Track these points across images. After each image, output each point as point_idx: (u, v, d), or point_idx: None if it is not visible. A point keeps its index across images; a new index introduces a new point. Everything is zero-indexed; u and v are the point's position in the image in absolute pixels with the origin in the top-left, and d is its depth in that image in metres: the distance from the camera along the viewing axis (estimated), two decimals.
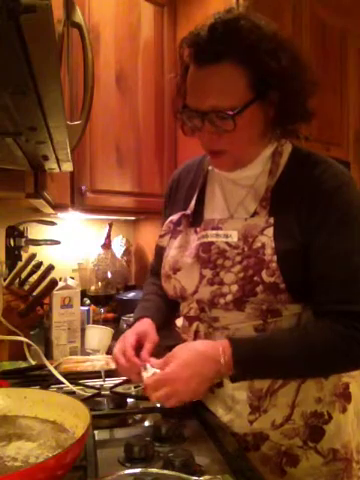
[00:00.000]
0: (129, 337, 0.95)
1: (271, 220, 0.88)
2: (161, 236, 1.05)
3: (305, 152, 0.95)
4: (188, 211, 1.02)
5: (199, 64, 0.85)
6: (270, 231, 0.87)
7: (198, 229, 0.97)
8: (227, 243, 0.91)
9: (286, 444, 0.92)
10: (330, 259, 0.86)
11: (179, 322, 1.22)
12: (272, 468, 0.91)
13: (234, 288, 0.88)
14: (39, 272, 1.47)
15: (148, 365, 0.87)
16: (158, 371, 0.85)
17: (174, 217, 1.04)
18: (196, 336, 0.97)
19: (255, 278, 0.86)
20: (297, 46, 0.90)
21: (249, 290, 0.86)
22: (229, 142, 0.88)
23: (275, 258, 0.85)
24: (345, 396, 0.96)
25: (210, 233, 0.94)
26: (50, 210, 1.62)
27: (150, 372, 0.85)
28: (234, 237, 0.91)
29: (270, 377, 0.90)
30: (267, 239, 0.87)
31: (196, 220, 1.00)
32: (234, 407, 0.93)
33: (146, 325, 1.00)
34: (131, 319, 1.49)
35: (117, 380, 1.07)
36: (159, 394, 0.81)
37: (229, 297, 0.88)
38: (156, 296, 1.12)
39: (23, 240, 1.85)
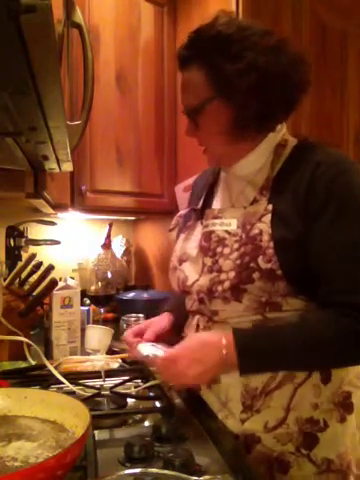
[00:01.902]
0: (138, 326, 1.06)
1: (269, 207, 0.88)
2: (170, 230, 1.11)
3: (310, 142, 0.94)
4: (198, 206, 1.05)
5: (179, 69, 0.96)
6: (268, 218, 0.87)
7: (203, 221, 1.00)
8: (226, 231, 0.92)
9: (278, 449, 0.90)
10: (331, 248, 0.84)
11: None
12: (262, 473, 0.89)
13: (231, 275, 0.88)
14: (39, 272, 1.47)
15: (143, 344, 0.95)
16: (157, 347, 0.91)
17: (183, 212, 1.08)
18: (197, 330, 0.97)
19: (251, 264, 0.85)
20: (291, 46, 0.90)
21: (246, 276, 0.86)
22: (204, 139, 0.96)
23: (271, 244, 0.85)
24: (345, 406, 0.93)
25: (211, 222, 0.97)
26: (50, 210, 1.62)
27: (146, 350, 0.92)
28: (233, 225, 0.92)
29: (276, 369, 0.88)
30: (264, 226, 0.87)
31: (204, 214, 1.02)
32: (227, 404, 0.93)
33: (159, 317, 1.09)
34: (131, 319, 1.50)
35: (117, 380, 1.08)
36: (168, 373, 0.86)
37: (227, 284, 0.88)
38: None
39: (23, 240, 1.85)
